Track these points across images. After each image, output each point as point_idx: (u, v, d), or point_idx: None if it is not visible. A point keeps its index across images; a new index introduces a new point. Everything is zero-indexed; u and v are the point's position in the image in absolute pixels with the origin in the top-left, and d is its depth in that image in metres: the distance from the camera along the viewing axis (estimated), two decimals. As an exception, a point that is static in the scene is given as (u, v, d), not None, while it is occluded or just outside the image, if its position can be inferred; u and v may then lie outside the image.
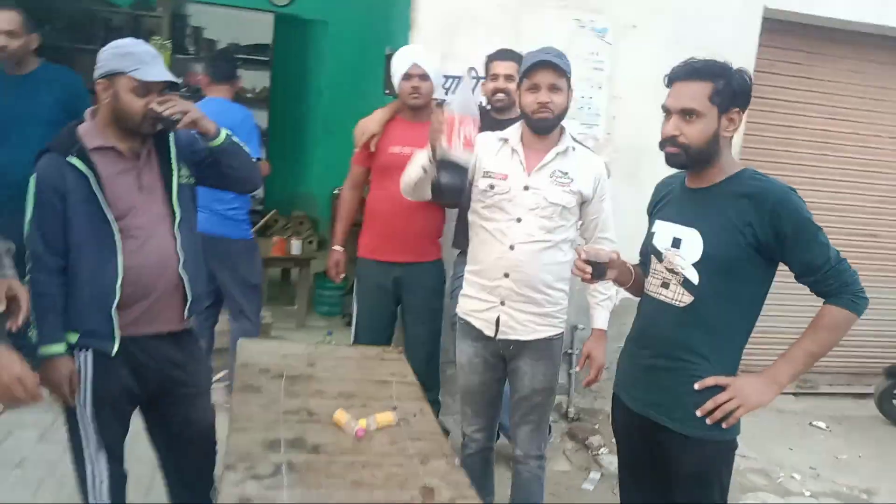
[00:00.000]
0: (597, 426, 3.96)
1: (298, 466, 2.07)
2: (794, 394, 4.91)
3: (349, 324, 5.13)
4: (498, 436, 3.07)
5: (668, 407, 2.01)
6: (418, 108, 3.20)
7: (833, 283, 1.91)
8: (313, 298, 5.50)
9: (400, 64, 3.15)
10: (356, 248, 3.44)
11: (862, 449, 4.24)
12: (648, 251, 2.12)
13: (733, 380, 1.95)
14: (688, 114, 1.92)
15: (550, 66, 2.35)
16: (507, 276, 2.47)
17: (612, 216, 2.56)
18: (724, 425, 1.94)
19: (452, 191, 2.33)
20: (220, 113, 3.55)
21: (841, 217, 4.93)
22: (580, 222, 2.55)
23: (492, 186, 2.48)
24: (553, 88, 2.37)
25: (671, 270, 2.00)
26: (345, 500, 1.92)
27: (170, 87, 2.22)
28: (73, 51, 5.57)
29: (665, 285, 2.02)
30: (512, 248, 2.46)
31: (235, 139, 2.37)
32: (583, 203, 2.50)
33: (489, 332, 2.55)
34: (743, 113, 1.97)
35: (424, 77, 3.15)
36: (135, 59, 2.15)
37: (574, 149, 2.50)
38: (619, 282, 2.15)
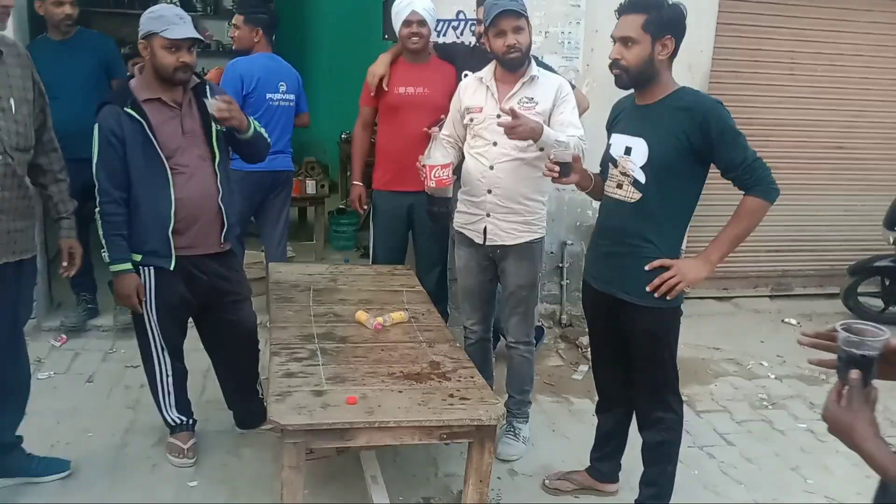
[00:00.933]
0: (585, 329, 4.45)
1: (329, 351, 2.59)
2: (769, 296, 5.39)
3: (363, 255, 5.65)
4: (497, 337, 3.57)
5: (624, 283, 2.48)
6: (418, 51, 3.59)
7: (750, 177, 2.33)
8: (329, 235, 5.98)
9: (399, 12, 3.50)
10: (370, 183, 3.86)
11: (826, 339, 4.73)
12: (606, 160, 2.56)
13: (675, 261, 2.40)
14: (626, 41, 2.33)
15: (511, 13, 2.75)
16: (489, 192, 2.94)
17: (575, 114, 2.90)
18: (668, 297, 2.41)
19: (442, 216, 3.04)
20: (277, 70, 4.06)
21: (812, 131, 5.31)
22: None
23: (472, 119, 2.95)
24: (516, 30, 2.78)
25: (624, 173, 2.44)
26: (368, 373, 2.42)
27: (194, 43, 2.64)
28: (89, 14, 5.93)
29: (619, 186, 2.46)
30: (491, 167, 2.91)
31: (260, 129, 2.83)
32: (550, 117, 2.88)
33: (479, 240, 3.02)
34: (675, 39, 2.34)
35: (422, 23, 3.51)
36: (164, 20, 2.60)
37: (537, 77, 2.91)
38: (581, 186, 2.56)
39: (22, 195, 2.47)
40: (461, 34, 4.22)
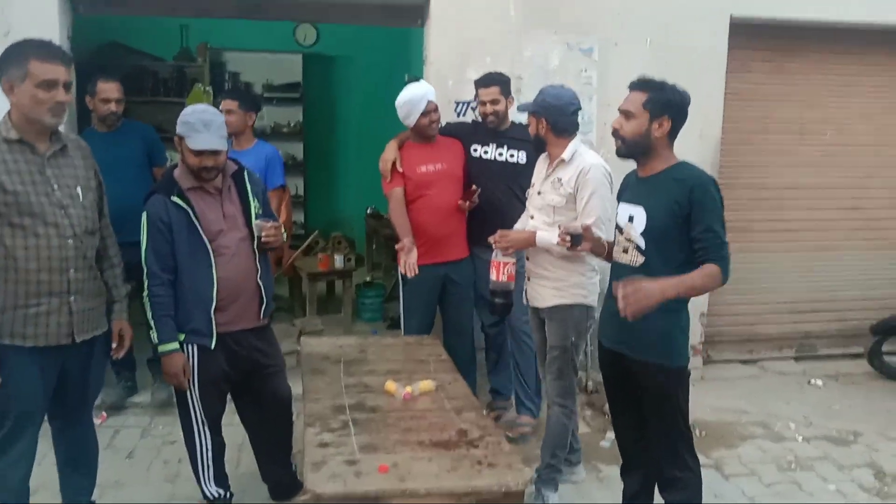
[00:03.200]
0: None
1: (361, 421, 2.70)
2: (794, 358, 5.41)
3: (390, 326, 5.77)
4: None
5: (630, 341, 2.64)
6: (430, 137, 3.86)
7: (716, 252, 2.47)
8: (356, 307, 6.14)
9: (416, 103, 3.76)
10: (388, 261, 4.03)
11: (853, 400, 4.73)
12: (616, 226, 2.75)
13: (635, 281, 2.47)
14: (626, 114, 2.59)
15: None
16: (528, 258, 3.28)
17: (595, 203, 3.06)
18: (629, 312, 2.41)
19: (505, 308, 3.31)
20: (250, 152, 4.23)
21: (826, 191, 5.43)
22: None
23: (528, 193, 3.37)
24: (531, 123, 3.26)
25: (628, 239, 2.65)
26: (398, 441, 2.53)
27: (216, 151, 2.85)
28: (129, 102, 6.29)
29: (625, 251, 2.67)
30: None
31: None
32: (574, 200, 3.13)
33: (524, 301, 3.36)
34: (673, 120, 2.56)
35: (436, 110, 3.82)
36: (189, 127, 2.83)
37: (572, 158, 3.13)
38: (595, 252, 2.83)
39: (93, 276, 2.69)
40: (464, 115, 4.48)
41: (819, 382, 5.03)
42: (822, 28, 5.08)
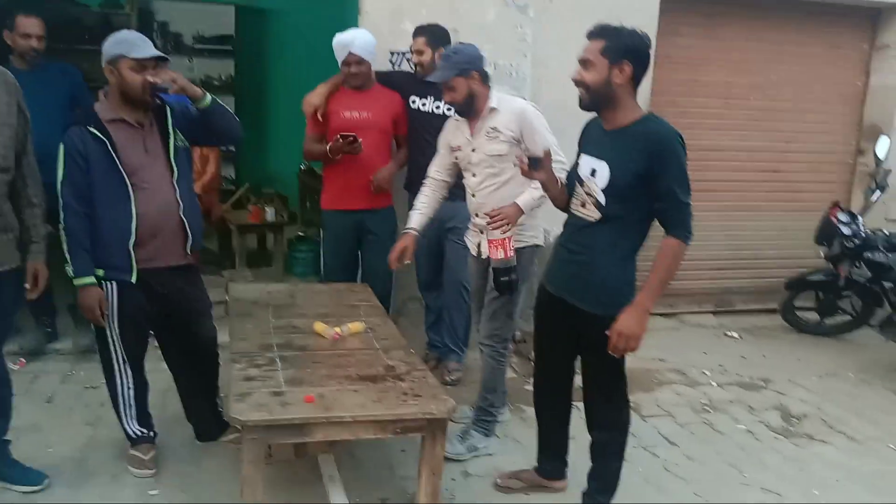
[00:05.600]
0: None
1: (289, 358, 2.70)
2: (713, 312, 5.64)
3: (321, 281, 5.74)
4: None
5: (579, 293, 2.65)
6: (359, 86, 3.85)
7: (676, 215, 2.47)
8: (288, 262, 6.08)
9: (338, 52, 3.79)
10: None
11: (766, 350, 4.98)
12: (573, 178, 2.72)
13: (615, 326, 2.48)
14: (584, 63, 2.51)
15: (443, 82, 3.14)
16: (477, 215, 3.25)
17: (546, 136, 3.10)
18: (627, 353, 2.54)
19: (510, 285, 3.05)
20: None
21: (749, 154, 5.64)
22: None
23: (456, 157, 3.31)
24: (450, 89, 3.14)
25: (588, 193, 2.60)
26: (325, 376, 2.55)
27: (159, 61, 2.78)
28: (51, 51, 6.01)
29: (583, 205, 2.63)
30: (474, 195, 3.26)
31: (218, 100, 2.95)
32: (519, 142, 3.12)
33: (475, 253, 3.36)
34: (634, 65, 2.48)
35: (360, 62, 3.79)
36: (128, 43, 2.75)
37: (497, 108, 3.16)
38: (548, 188, 2.71)
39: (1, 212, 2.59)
40: (399, 66, 4.45)
41: (735, 335, 5.27)
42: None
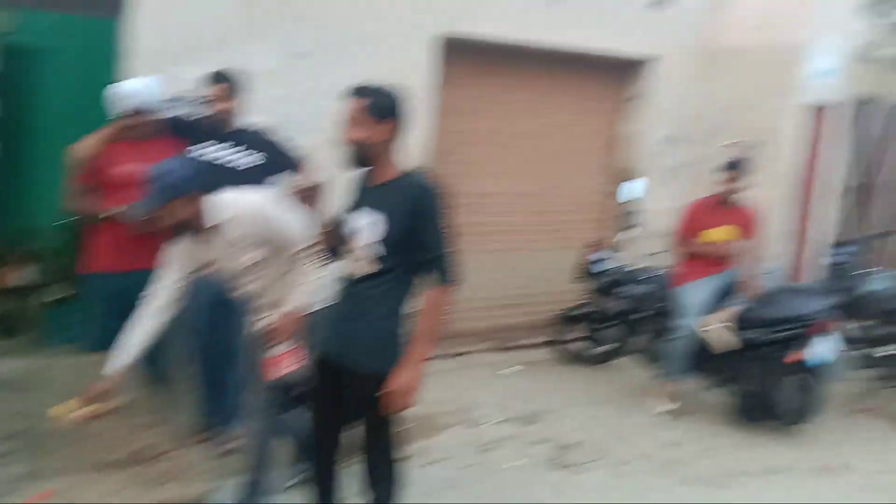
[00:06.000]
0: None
1: (27, 448, 2.43)
2: (492, 349, 5.91)
3: (83, 349, 5.24)
4: None
5: (354, 352, 2.62)
6: (139, 137, 3.64)
7: (440, 267, 2.57)
8: (47, 330, 5.51)
9: (116, 103, 3.57)
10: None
11: (541, 383, 5.29)
12: (343, 232, 2.69)
13: (392, 385, 2.52)
14: (350, 121, 2.55)
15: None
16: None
17: (295, 224, 3.01)
18: (403, 409, 2.57)
19: (300, 398, 2.93)
20: None
21: (520, 199, 6.05)
22: None
23: None
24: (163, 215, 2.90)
25: (359, 248, 2.61)
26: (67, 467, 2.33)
27: None
28: None
29: (352, 259, 2.64)
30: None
31: None
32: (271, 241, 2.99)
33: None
34: (396, 124, 2.58)
35: (139, 113, 3.58)
36: None
37: (229, 217, 2.94)
38: (329, 242, 2.68)
39: None
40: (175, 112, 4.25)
41: (513, 371, 5.55)
42: (520, 50, 5.64)
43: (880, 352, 4.77)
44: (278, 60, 4.61)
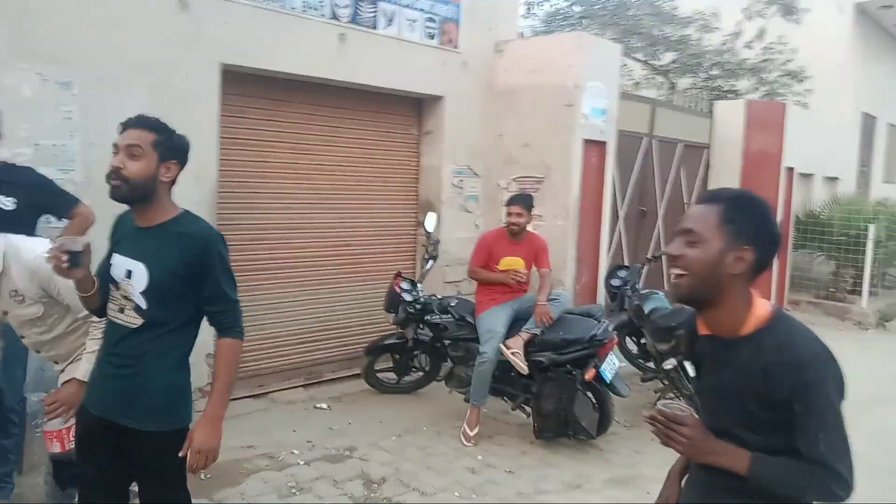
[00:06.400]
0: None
1: None
2: (303, 385, 5.75)
3: None
4: None
5: (128, 410, 2.36)
6: None
7: (230, 317, 2.45)
8: None
9: None
10: None
11: (352, 417, 5.21)
12: (106, 280, 2.44)
13: (192, 445, 2.33)
14: (132, 152, 2.29)
15: None
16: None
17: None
18: (203, 469, 2.38)
19: (73, 480, 2.70)
20: None
21: (321, 233, 5.95)
22: None
23: None
24: None
25: (126, 297, 2.37)
26: None
27: None
28: None
29: (121, 310, 2.38)
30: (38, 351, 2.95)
31: None
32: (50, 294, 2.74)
33: None
34: (180, 166, 2.41)
35: None
36: None
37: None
38: (82, 286, 2.39)
39: None
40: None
41: (324, 406, 5.42)
42: (306, 82, 5.58)
43: (667, 365, 5.21)
44: (45, 87, 4.22)
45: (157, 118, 2.41)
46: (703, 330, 1.89)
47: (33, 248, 2.68)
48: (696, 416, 1.81)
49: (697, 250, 1.75)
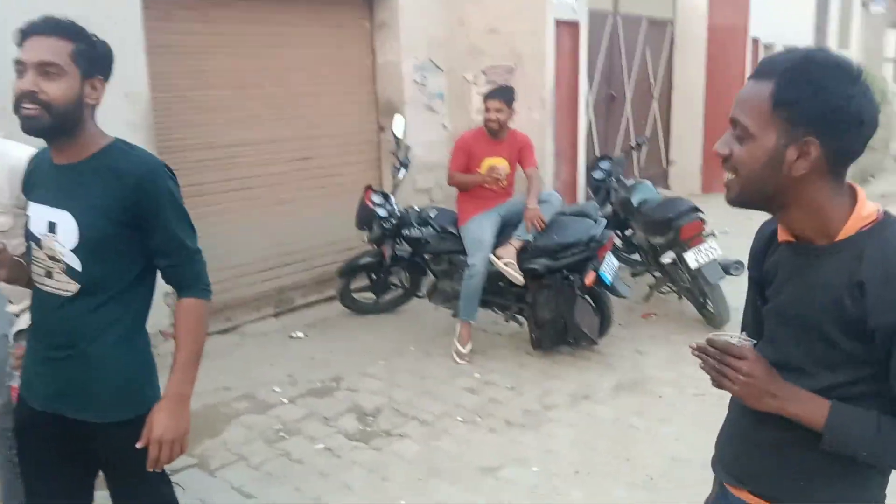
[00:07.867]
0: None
1: None
2: (274, 315, 5.32)
3: None
4: None
5: (77, 400, 1.88)
6: None
7: (189, 270, 1.93)
8: None
9: None
10: None
11: (334, 344, 4.82)
12: (27, 237, 1.91)
13: (151, 435, 1.84)
14: (46, 68, 1.73)
15: None
16: None
17: None
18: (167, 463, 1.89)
19: None
20: None
21: (276, 144, 5.37)
22: None
23: None
24: None
25: (52, 258, 1.84)
26: None
27: None
28: None
29: (48, 274, 1.85)
30: None
31: None
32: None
33: None
34: (105, 83, 1.85)
35: None
36: None
37: None
38: (13, 279, 1.92)
39: None
40: None
41: (300, 334, 5.02)
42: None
43: (666, 259, 4.89)
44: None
45: (71, 20, 1.81)
46: (783, 236, 1.44)
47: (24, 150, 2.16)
48: (755, 351, 1.39)
49: (746, 149, 1.31)
